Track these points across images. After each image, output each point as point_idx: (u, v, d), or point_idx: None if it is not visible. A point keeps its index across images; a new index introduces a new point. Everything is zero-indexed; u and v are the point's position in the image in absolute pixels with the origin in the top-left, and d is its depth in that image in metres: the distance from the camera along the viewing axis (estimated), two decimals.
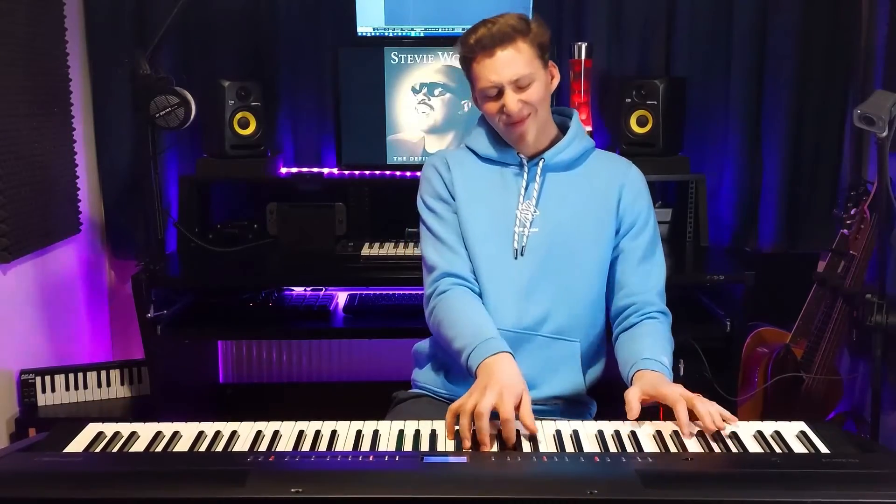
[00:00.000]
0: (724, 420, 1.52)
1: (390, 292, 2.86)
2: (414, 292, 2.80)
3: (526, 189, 1.86)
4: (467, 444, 1.46)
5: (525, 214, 1.85)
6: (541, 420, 1.59)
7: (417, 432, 1.53)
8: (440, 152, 1.98)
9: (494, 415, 1.49)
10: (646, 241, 1.87)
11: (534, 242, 1.83)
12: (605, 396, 1.93)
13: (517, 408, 1.52)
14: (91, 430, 1.51)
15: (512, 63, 1.77)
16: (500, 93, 1.79)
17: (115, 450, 1.46)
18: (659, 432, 1.51)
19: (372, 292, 2.87)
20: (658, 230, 1.92)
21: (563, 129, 1.92)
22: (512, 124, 1.81)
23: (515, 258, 1.83)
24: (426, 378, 1.92)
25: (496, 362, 1.61)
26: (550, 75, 1.87)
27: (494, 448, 1.47)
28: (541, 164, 1.86)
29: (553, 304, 1.82)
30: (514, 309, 1.81)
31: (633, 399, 1.58)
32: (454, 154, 1.96)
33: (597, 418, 1.85)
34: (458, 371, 1.81)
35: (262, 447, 1.47)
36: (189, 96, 2.60)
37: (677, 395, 1.58)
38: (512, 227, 1.85)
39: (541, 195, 1.86)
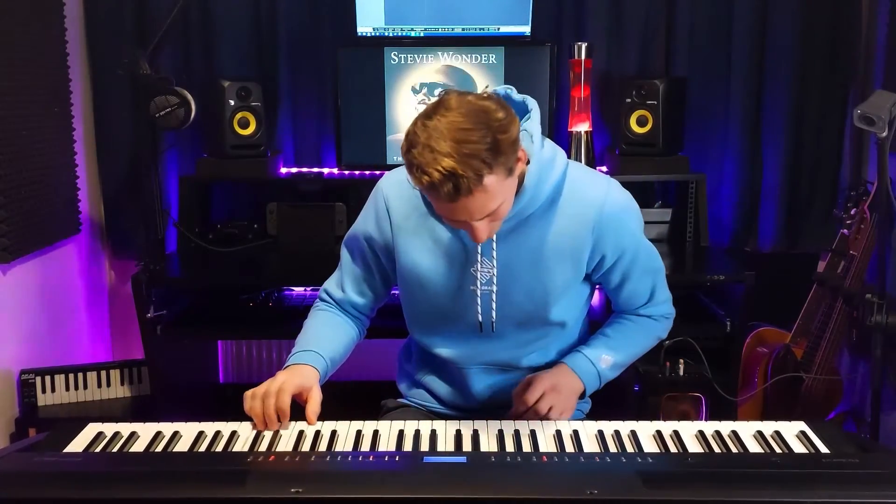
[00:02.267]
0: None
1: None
2: None
3: (481, 249, 1.63)
4: (259, 424, 1.55)
5: (483, 273, 1.64)
6: (540, 420, 1.60)
7: (417, 432, 1.53)
8: (388, 184, 1.72)
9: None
10: (630, 264, 1.69)
11: (495, 313, 1.66)
12: (601, 395, 1.92)
13: (305, 400, 1.61)
14: (91, 430, 1.51)
15: (481, 205, 1.42)
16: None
17: (115, 450, 1.46)
18: (659, 432, 1.51)
19: None
20: (649, 244, 1.72)
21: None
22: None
23: (480, 330, 1.68)
24: (412, 393, 1.88)
25: (297, 369, 1.67)
26: (514, 173, 1.46)
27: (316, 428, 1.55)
28: None
29: (524, 351, 1.73)
30: (482, 356, 1.73)
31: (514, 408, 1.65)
32: (400, 192, 1.69)
33: (592, 416, 1.85)
34: (442, 385, 1.81)
35: (262, 447, 1.47)
36: (189, 96, 2.60)
37: (526, 387, 1.63)
38: (468, 286, 1.65)
39: (499, 250, 1.63)
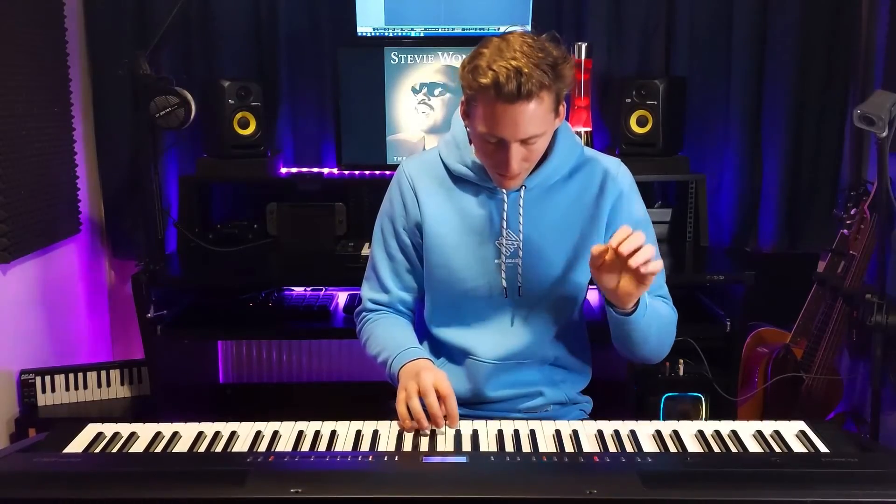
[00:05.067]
0: (646, 260, 1.46)
1: None
2: None
3: (507, 218, 1.70)
4: (424, 423, 1.51)
5: (508, 245, 1.70)
6: (540, 420, 1.60)
7: (417, 432, 1.53)
8: (410, 165, 1.79)
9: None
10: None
11: (521, 278, 1.71)
12: (601, 395, 1.93)
13: (444, 398, 1.55)
14: (91, 430, 1.51)
15: (529, 121, 1.51)
16: (502, 142, 1.56)
17: (115, 450, 1.46)
18: (658, 432, 1.51)
19: None
20: (653, 231, 1.77)
21: None
22: (501, 175, 1.63)
23: (505, 296, 1.72)
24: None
25: (418, 364, 1.64)
26: (557, 116, 1.60)
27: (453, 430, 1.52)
28: (523, 191, 1.69)
29: (539, 336, 1.76)
30: (499, 344, 1.75)
31: (596, 248, 1.53)
32: (424, 170, 1.76)
33: (593, 416, 1.85)
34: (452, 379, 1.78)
35: (262, 447, 1.47)
36: (189, 96, 2.60)
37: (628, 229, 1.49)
38: (493, 258, 1.71)
39: (525, 222, 1.70)
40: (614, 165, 1.75)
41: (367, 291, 1.84)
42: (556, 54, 1.52)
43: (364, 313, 1.84)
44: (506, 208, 1.69)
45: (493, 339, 1.76)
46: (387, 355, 1.70)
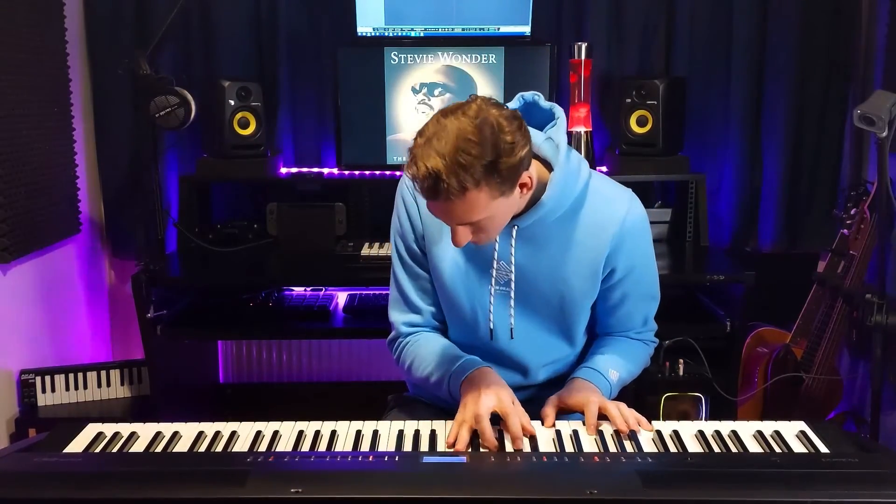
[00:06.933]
0: (638, 423, 1.53)
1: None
2: None
3: (499, 250, 1.63)
4: (461, 447, 1.45)
5: (501, 274, 1.64)
6: (541, 420, 1.59)
7: (417, 432, 1.53)
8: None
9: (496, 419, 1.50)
10: (634, 283, 1.70)
11: (513, 310, 1.66)
12: None
13: (504, 418, 1.50)
14: (91, 430, 1.51)
15: (463, 213, 1.41)
16: None
17: (115, 450, 1.46)
18: (659, 432, 1.51)
19: (372, 292, 2.87)
20: (655, 268, 1.74)
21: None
22: None
23: (491, 338, 1.68)
24: (420, 392, 1.86)
25: (480, 374, 1.59)
26: (521, 186, 1.46)
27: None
28: (514, 230, 1.60)
29: (534, 362, 1.73)
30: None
31: (548, 407, 1.59)
32: None
33: None
34: None
35: (262, 447, 1.47)
36: (189, 96, 2.61)
37: (591, 400, 1.56)
38: (486, 284, 1.65)
39: (517, 255, 1.62)
40: (624, 206, 1.63)
41: (399, 315, 1.77)
42: (502, 146, 1.36)
43: (400, 339, 1.77)
44: (497, 239, 1.61)
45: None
46: (441, 373, 1.65)
